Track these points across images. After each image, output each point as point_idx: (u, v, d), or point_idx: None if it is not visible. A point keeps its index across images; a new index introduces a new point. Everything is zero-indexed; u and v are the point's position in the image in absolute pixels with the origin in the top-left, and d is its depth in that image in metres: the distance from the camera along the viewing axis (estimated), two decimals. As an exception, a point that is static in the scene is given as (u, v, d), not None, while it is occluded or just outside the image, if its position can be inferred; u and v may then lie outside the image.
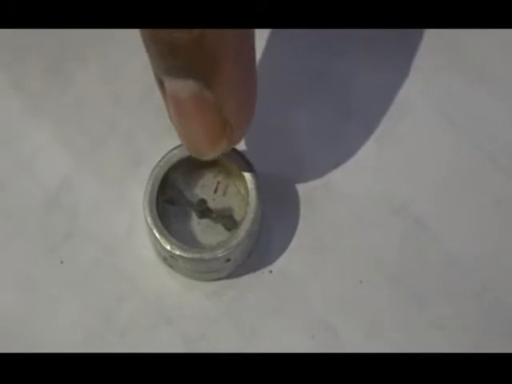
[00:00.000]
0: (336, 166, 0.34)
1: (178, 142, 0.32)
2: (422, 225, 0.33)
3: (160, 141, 0.34)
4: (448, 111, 0.35)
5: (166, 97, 0.28)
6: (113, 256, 0.33)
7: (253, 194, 0.32)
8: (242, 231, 0.31)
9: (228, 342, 0.32)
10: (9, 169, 0.34)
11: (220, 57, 0.26)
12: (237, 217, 0.32)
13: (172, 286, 0.33)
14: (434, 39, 0.35)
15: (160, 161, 0.32)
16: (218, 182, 0.33)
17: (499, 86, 0.35)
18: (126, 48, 0.36)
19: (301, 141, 0.34)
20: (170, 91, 0.28)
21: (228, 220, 0.32)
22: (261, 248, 0.33)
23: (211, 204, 0.32)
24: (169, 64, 0.26)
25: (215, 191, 0.33)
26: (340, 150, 0.34)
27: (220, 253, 0.31)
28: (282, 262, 0.33)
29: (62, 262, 0.33)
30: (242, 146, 0.33)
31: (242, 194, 0.33)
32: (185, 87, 0.27)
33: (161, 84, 0.28)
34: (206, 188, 0.33)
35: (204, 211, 0.32)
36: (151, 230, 0.31)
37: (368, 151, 0.34)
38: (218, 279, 0.33)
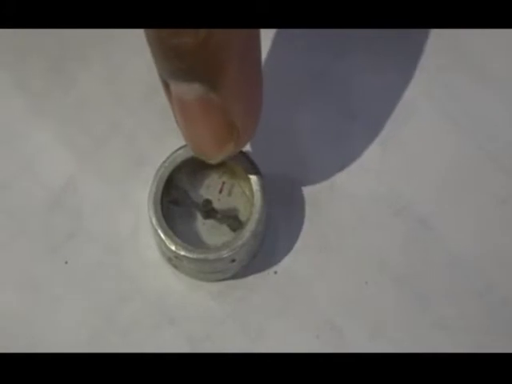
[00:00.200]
0: (340, 167, 0.34)
1: (182, 142, 0.32)
2: (426, 225, 0.33)
3: (163, 141, 0.34)
4: (451, 112, 0.35)
5: (171, 99, 0.28)
6: (117, 256, 0.33)
7: (258, 194, 0.32)
8: (247, 232, 0.31)
9: (233, 343, 0.32)
10: (11, 169, 0.34)
11: (225, 59, 0.26)
12: (242, 217, 0.32)
13: (176, 287, 0.33)
14: (436, 39, 0.36)
15: (164, 161, 0.32)
16: (223, 183, 0.33)
17: (503, 87, 0.35)
18: (128, 48, 0.36)
19: (305, 142, 0.34)
20: (175, 94, 0.27)
21: (233, 220, 0.32)
22: (266, 249, 0.33)
23: (216, 204, 0.32)
24: (174, 67, 0.26)
25: (220, 192, 0.33)
26: (344, 151, 0.34)
27: (225, 253, 0.31)
28: (287, 263, 0.33)
29: (66, 263, 0.33)
30: (246, 146, 0.33)
31: (246, 194, 0.33)
32: (190, 90, 0.27)
33: (166, 86, 0.28)
34: (210, 188, 0.33)
35: (209, 212, 0.32)
36: (156, 230, 0.31)
37: (372, 152, 0.34)
38: (223, 280, 0.33)
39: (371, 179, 0.34)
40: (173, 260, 0.32)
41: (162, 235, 0.31)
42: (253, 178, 0.32)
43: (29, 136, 0.35)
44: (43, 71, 0.35)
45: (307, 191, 0.34)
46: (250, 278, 0.33)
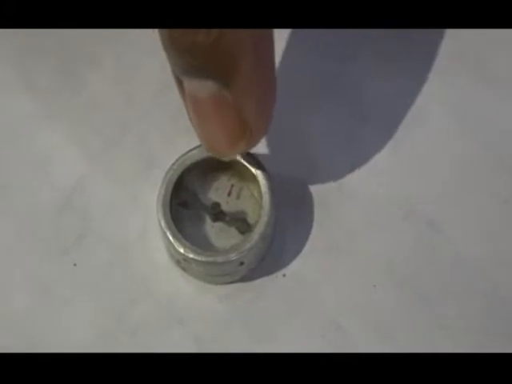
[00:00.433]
0: (350, 169, 0.34)
1: (191, 144, 0.32)
2: (435, 228, 0.33)
3: (174, 142, 0.34)
4: (462, 116, 0.35)
5: (184, 97, 0.28)
6: (126, 258, 0.33)
7: (266, 197, 0.32)
8: (255, 234, 0.31)
9: (240, 346, 0.32)
10: (22, 170, 0.34)
11: (238, 57, 0.26)
12: (250, 220, 0.32)
13: (185, 289, 0.33)
14: (449, 43, 0.35)
15: (173, 164, 0.32)
16: (232, 185, 0.33)
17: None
18: (139, 48, 0.36)
19: (315, 144, 0.34)
20: (188, 91, 0.27)
21: (241, 223, 0.32)
22: (274, 251, 0.33)
23: (225, 207, 0.32)
24: (188, 64, 0.26)
25: (229, 194, 0.33)
26: (354, 154, 0.34)
27: (233, 256, 0.31)
28: (295, 266, 0.33)
29: (75, 265, 0.33)
30: (256, 148, 0.33)
31: (255, 197, 0.33)
32: (204, 87, 0.27)
33: (179, 84, 0.28)
34: (219, 191, 0.33)
35: (218, 214, 0.32)
36: (165, 233, 0.31)
37: (382, 154, 0.34)
38: (231, 282, 0.33)
39: (381, 182, 0.34)
40: (181, 262, 0.32)
41: (170, 238, 0.31)
42: (261, 180, 0.32)
43: (39, 137, 0.35)
44: (54, 72, 0.36)
45: (316, 194, 0.34)
46: (259, 281, 0.33)
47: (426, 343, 0.32)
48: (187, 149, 0.32)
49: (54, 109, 0.35)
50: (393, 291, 0.33)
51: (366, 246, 0.33)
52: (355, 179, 0.34)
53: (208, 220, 0.33)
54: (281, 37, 0.35)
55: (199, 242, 0.32)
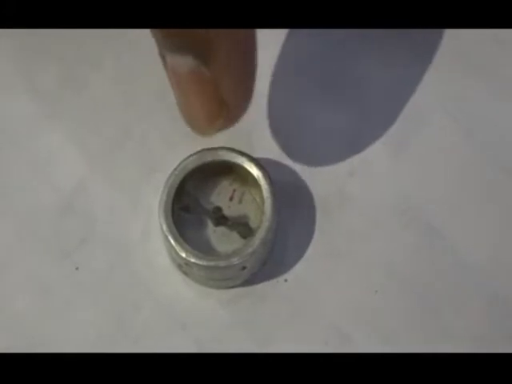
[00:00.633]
0: (351, 173, 0.34)
1: (193, 148, 0.32)
2: (436, 233, 0.33)
3: (175, 145, 0.34)
4: (465, 119, 0.35)
5: (167, 72, 0.29)
6: (127, 262, 0.33)
7: (268, 202, 0.32)
8: (257, 239, 0.31)
9: (242, 351, 0.32)
10: (23, 172, 0.34)
11: (215, 35, 0.27)
12: (252, 225, 0.32)
13: (186, 294, 0.33)
14: (451, 43, 0.35)
15: (175, 169, 0.32)
16: (234, 190, 0.33)
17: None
18: (140, 50, 0.35)
19: (316, 148, 0.34)
20: (170, 66, 0.28)
21: (243, 228, 0.32)
22: (276, 256, 0.33)
23: (227, 212, 0.32)
24: (169, 40, 0.27)
25: (231, 199, 0.33)
26: (355, 157, 0.34)
27: (235, 260, 0.31)
28: (297, 271, 0.33)
29: (77, 269, 0.33)
30: (257, 153, 0.33)
31: (257, 201, 0.33)
32: (184, 63, 0.27)
33: (164, 59, 0.28)
34: (221, 196, 0.33)
35: (219, 219, 0.32)
36: (166, 237, 0.31)
37: (383, 159, 0.34)
38: (233, 287, 0.33)
39: (382, 186, 0.34)
40: (183, 267, 0.32)
41: (172, 242, 0.31)
42: (263, 185, 0.32)
43: (40, 138, 0.35)
44: (54, 72, 0.36)
45: (317, 198, 0.34)
46: (260, 286, 0.33)
47: (430, 349, 0.32)
48: (189, 147, 0.32)
49: (55, 109, 0.35)
50: (394, 295, 0.33)
51: (366, 251, 0.33)
52: (356, 184, 0.34)
53: (210, 224, 0.33)
54: (281, 37, 0.35)
55: (201, 247, 0.32)
